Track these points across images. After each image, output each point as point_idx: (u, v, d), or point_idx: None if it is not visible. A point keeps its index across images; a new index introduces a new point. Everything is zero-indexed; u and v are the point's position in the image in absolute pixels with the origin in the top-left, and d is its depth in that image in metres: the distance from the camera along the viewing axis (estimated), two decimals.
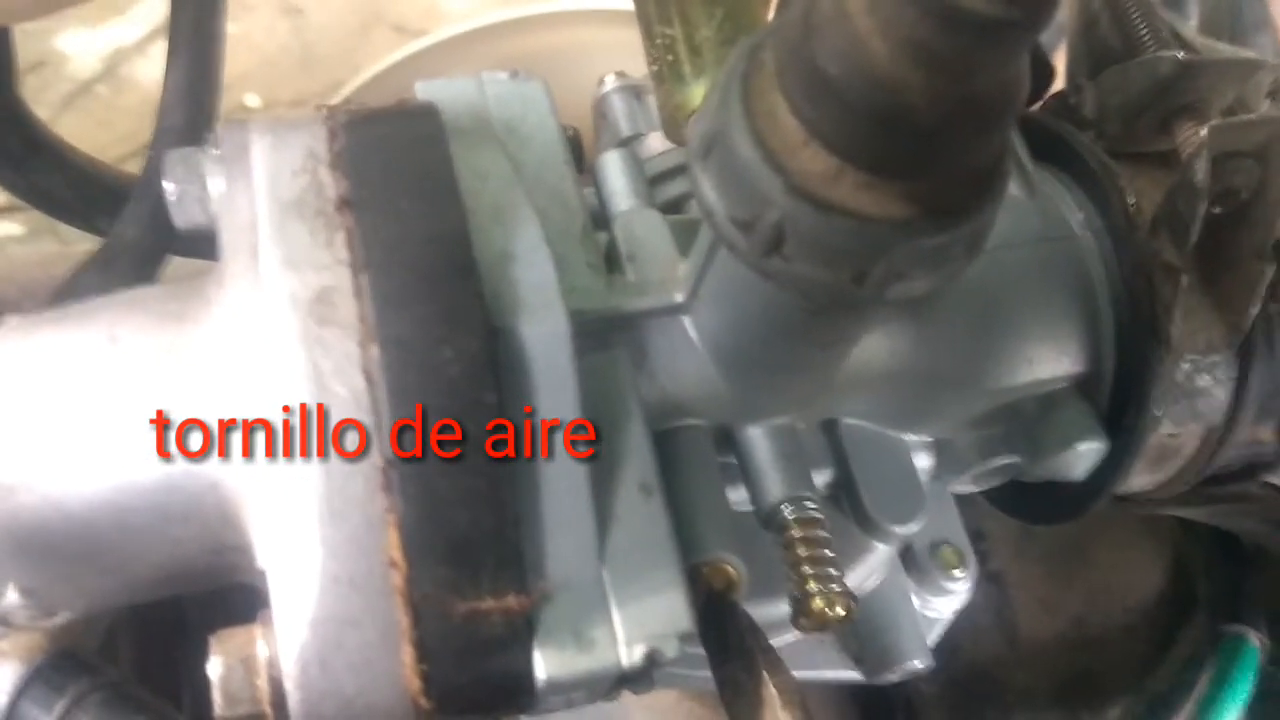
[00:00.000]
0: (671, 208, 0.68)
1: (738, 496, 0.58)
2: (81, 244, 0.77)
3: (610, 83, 0.81)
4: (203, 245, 0.52)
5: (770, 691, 0.48)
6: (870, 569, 0.66)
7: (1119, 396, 0.62)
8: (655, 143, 0.78)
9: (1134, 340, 0.60)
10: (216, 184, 0.49)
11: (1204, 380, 0.62)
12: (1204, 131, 0.57)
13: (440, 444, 0.43)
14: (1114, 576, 1.02)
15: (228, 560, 0.46)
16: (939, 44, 0.35)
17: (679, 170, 0.70)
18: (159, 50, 0.71)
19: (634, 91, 0.81)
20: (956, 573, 0.68)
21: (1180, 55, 0.61)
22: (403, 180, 0.46)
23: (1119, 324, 0.61)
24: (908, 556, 0.69)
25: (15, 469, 0.44)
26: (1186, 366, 0.61)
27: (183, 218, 0.50)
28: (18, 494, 0.44)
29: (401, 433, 0.42)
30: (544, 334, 0.47)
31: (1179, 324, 0.58)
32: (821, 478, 0.61)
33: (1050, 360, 0.61)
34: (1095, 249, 0.62)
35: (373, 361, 0.43)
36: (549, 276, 0.48)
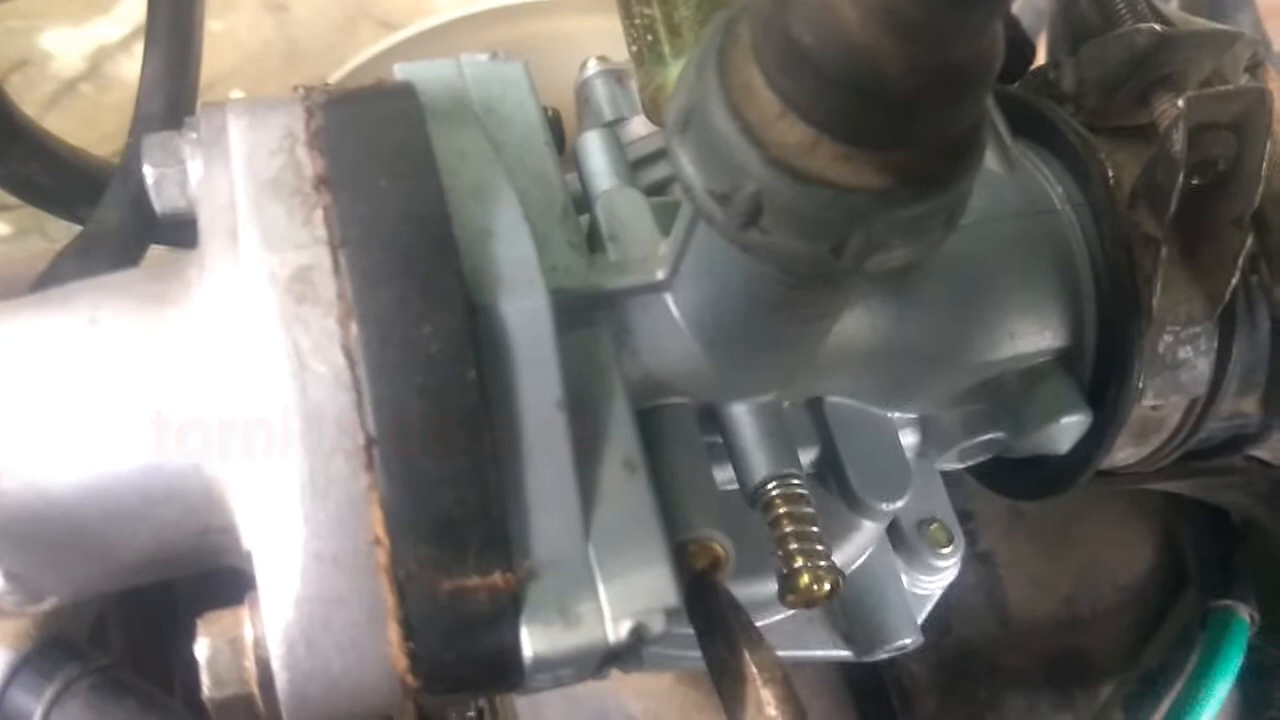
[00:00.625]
0: (654, 191, 0.68)
1: (724, 476, 0.58)
2: (69, 242, 0.77)
3: (592, 67, 0.81)
4: (183, 231, 0.52)
5: (751, 669, 0.48)
6: (858, 547, 0.66)
7: (1101, 369, 0.62)
8: (638, 127, 0.78)
9: (1115, 312, 0.61)
10: (195, 167, 0.49)
11: (1185, 352, 0.62)
12: (1181, 103, 0.57)
13: (422, 422, 0.43)
14: (1104, 555, 1.03)
15: (213, 542, 0.46)
16: (911, 11, 0.35)
17: (662, 154, 0.70)
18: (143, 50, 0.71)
19: (616, 76, 0.81)
20: (944, 550, 0.69)
21: (1158, 28, 0.61)
22: (381, 158, 0.46)
23: (1100, 297, 0.61)
24: (895, 534, 0.69)
25: None
26: (1168, 338, 0.62)
27: (163, 202, 0.50)
28: (1, 480, 0.44)
29: (382, 410, 0.42)
30: (524, 311, 0.46)
31: (1159, 295, 0.58)
32: (807, 456, 0.62)
33: (1032, 334, 0.61)
34: (1075, 222, 0.63)
35: (352, 339, 0.43)
36: (529, 254, 0.48)
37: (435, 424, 0.43)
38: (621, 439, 0.49)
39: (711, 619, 0.51)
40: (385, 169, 0.46)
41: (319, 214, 0.45)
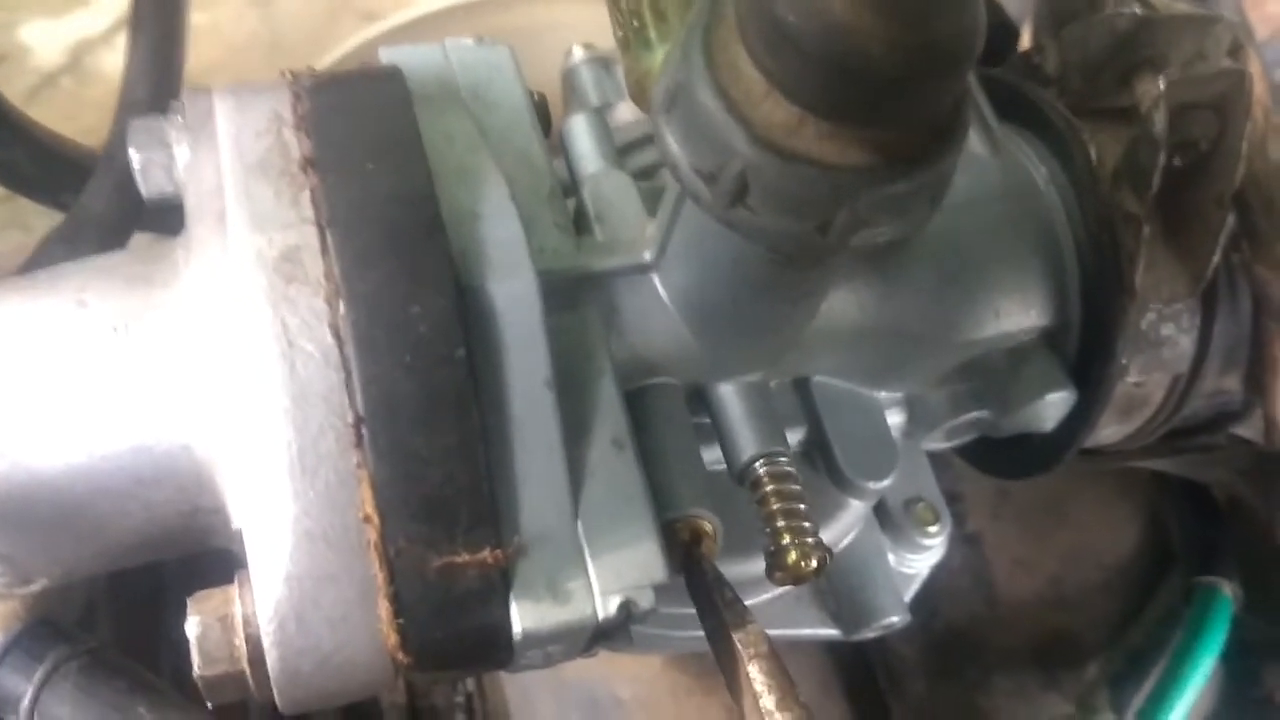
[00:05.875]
0: (641, 177, 0.67)
1: (712, 456, 0.58)
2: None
3: (578, 54, 0.81)
4: (169, 218, 0.52)
5: (736, 646, 0.48)
6: (845, 526, 0.66)
7: (1086, 347, 0.63)
8: (624, 113, 0.78)
9: (1099, 291, 0.61)
10: (182, 151, 0.49)
11: (1168, 329, 0.63)
12: (1162, 83, 0.57)
13: (410, 400, 0.43)
14: (1090, 535, 1.03)
15: (203, 523, 0.46)
16: None
17: (648, 140, 0.70)
18: (124, 41, 0.70)
19: (602, 63, 0.81)
20: (931, 529, 0.69)
21: (1139, 10, 0.62)
22: (367, 140, 0.46)
23: (1084, 275, 0.62)
24: (882, 514, 0.70)
25: None
26: (1151, 316, 0.62)
27: (149, 186, 0.50)
28: None
29: (371, 389, 0.43)
30: (513, 292, 0.47)
31: (1142, 274, 0.59)
32: (795, 435, 0.62)
33: (1017, 313, 0.62)
34: (1059, 203, 0.63)
35: (340, 319, 0.43)
36: (517, 235, 0.48)
37: (424, 402, 0.43)
38: (610, 418, 0.50)
39: (702, 595, 0.52)
40: (372, 151, 0.46)
41: (306, 195, 0.45)
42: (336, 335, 0.42)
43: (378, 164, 0.46)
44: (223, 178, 0.46)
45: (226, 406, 0.43)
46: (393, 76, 0.51)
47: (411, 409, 0.43)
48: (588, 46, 0.85)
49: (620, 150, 0.67)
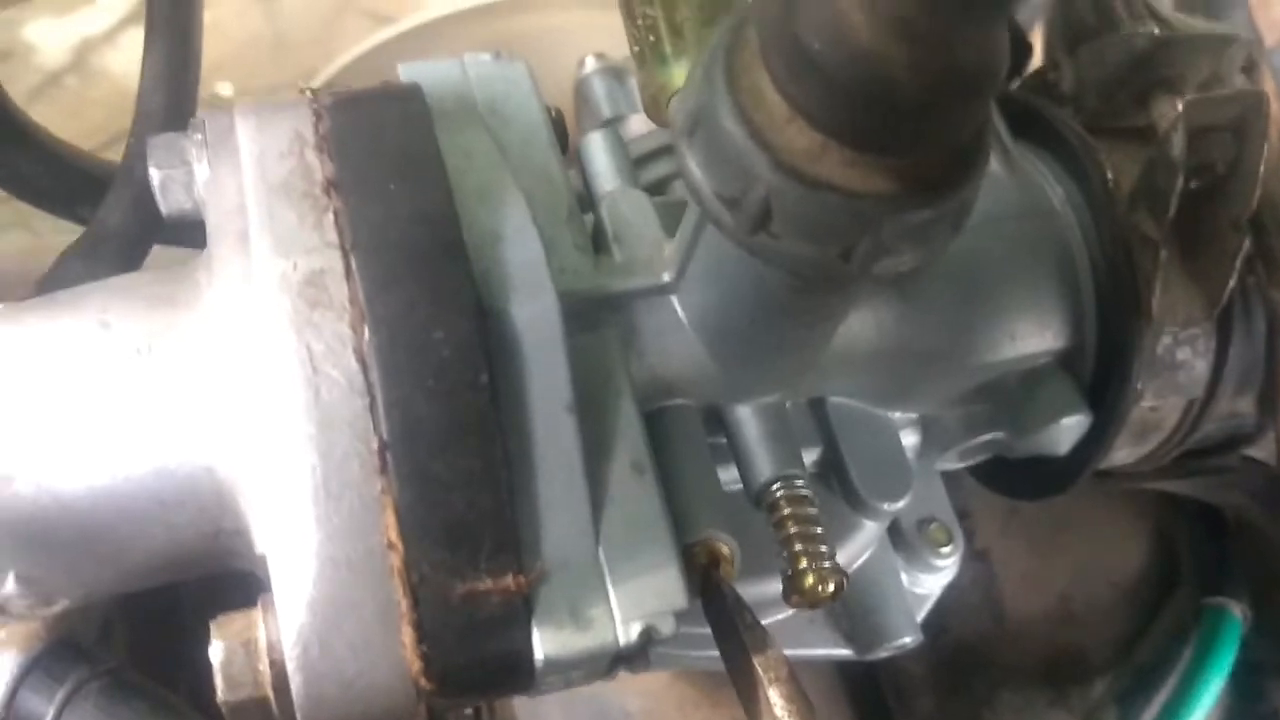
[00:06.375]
0: (655, 189, 0.68)
1: (728, 476, 0.58)
2: (55, 236, 0.76)
3: (591, 65, 0.81)
4: (186, 232, 0.52)
5: (756, 670, 0.48)
6: (859, 546, 0.66)
7: (1101, 370, 0.63)
8: (636, 124, 0.78)
9: (1115, 314, 0.61)
10: (201, 169, 0.49)
11: (1184, 353, 0.63)
12: (1180, 106, 0.58)
13: (434, 426, 0.43)
14: (1099, 553, 1.03)
15: (225, 545, 0.46)
16: (920, 18, 0.35)
17: (662, 152, 0.70)
18: (129, 40, 0.70)
19: (614, 73, 0.81)
20: (944, 550, 0.69)
21: (1156, 30, 0.62)
22: (389, 161, 0.46)
23: (1100, 298, 0.62)
24: (896, 534, 0.70)
25: (10, 458, 0.44)
26: (1166, 340, 0.62)
27: (168, 203, 0.50)
28: (14, 483, 0.44)
29: (394, 414, 0.43)
30: (534, 315, 0.47)
31: (1159, 297, 0.59)
32: (810, 456, 0.62)
33: (1033, 335, 0.62)
34: (1075, 224, 0.63)
35: (365, 344, 0.43)
36: (538, 256, 0.48)
37: (447, 427, 0.43)
38: (629, 441, 0.50)
39: (718, 618, 0.52)
40: (394, 172, 0.46)
41: (330, 218, 0.45)
42: (361, 361, 0.42)
43: (400, 185, 0.46)
44: (245, 199, 0.46)
45: (250, 431, 0.43)
46: (413, 95, 0.51)
47: (435, 434, 0.43)
48: (600, 56, 0.85)
49: (634, 162, 0.67)
